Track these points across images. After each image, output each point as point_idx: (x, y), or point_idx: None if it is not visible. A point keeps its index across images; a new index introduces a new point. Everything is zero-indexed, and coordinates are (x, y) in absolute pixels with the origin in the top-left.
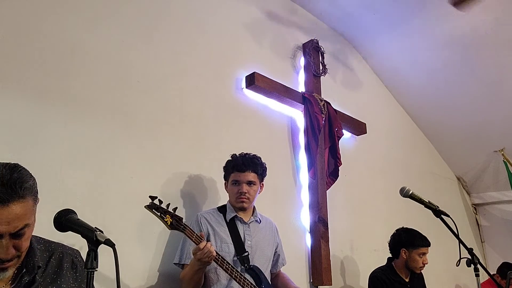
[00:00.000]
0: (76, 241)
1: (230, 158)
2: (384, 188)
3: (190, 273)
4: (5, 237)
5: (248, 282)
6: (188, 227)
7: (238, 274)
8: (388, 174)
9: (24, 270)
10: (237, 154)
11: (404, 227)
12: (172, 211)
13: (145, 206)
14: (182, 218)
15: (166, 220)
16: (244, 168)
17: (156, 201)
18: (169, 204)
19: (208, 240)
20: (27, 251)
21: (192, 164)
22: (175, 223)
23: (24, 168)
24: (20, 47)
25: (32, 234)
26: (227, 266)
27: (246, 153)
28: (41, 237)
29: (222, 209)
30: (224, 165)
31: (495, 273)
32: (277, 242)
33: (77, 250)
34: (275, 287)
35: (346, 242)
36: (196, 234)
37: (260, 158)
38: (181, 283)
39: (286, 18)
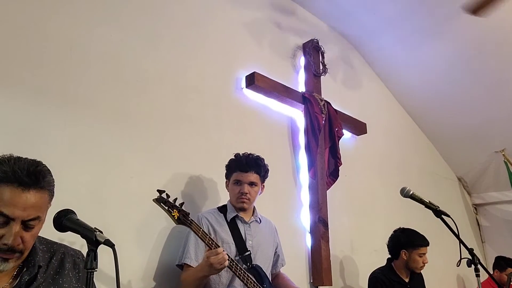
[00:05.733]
0: (76, 241)
1: (234, 157)
2: (384, 188)
3: (192, 278)
4: (17, 222)
5: (251, 280)
6: (195, 222)
7: (242, 272)
8: (389, 174)
9: (25, 269)
10: (241, 154)
11: (402, 227)
12: (179, 206)
13: (153, 200)
14: (189, 213)
15: (173, 214)
16: (247, 168)
17: (164, 195)
18: (176, 198)
19: None
20: (29, 251)
21: (192, 164)
22: (182, 218)
23: (49, 169)
24: (19, 46)
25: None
26: (231, 264)
27: (250, 154)
28: (44, 238)
29: (223, 209)
30: (226, 163)
31: (493, 268)
32: (277, 242)
33: (79, 251)
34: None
35: (346, 242)
36: (203, 231)
37: (263, 160)
38: (182, 285)
39: (286, 17)
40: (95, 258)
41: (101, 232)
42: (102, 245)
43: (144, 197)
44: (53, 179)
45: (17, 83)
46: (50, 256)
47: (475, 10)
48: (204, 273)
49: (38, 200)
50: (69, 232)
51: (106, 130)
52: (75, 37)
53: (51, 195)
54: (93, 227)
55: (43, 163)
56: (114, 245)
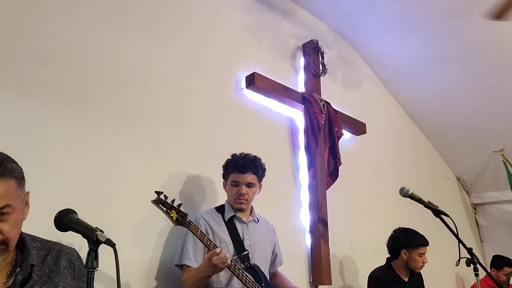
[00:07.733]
0: (76, 241)
1: (230, 158)
2: (383, 188)
3: (195, 279)
4: None
5: (250, 279)
6: (193, 223)
7: (241, 271)
8: (388, 174)
9: (18, 269)
10: (238, 154)
11: (402, 227)
12: (177, 207)
13: (151, 201)
14: (187, 214)
15: (172, 215)
16: (244, 169)
17: (162, 196)
18: (174, 199)
19: None
20: (22, 250)
21: (192, 164)
22: (181, 219)
23: (11, 157)
24: (19, 46)
25: (30, 233)
26: (229, 264)
27: (247, 154)
28: (37, 236)
29: (221, 209)
30: (223, 163)
31: (490, 267)
32: (275, 241)
33: (74, 249)
34: (274, 287)
35: (346, 241)
36: (201, 231)
37: (260, 159)
38: (183, 286)
39: (286, 18)
40: (96, 257)
41: (102, 232)
42: (102, 244)
43: (144, 196)
44: (17, 165)
45: (17, 83)
46: (45, 254)
47: (499, 15)
48: (208, 273)
49: (2, 188)
50: (69, 232)
51: (106, 130)
52: (76, 37)
53: (19, 181)
54: (94, 227)
55: (4, 152)
56: (115, 244)
